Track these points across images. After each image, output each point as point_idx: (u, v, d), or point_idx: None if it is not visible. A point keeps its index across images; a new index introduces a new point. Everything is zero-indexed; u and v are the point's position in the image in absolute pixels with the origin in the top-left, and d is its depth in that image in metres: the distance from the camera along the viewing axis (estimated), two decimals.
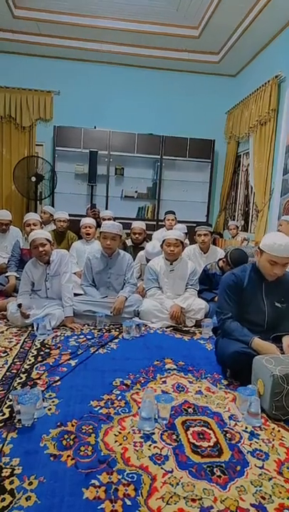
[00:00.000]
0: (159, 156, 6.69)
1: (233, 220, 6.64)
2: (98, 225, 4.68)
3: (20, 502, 1.23)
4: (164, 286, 3.42)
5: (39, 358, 2.38)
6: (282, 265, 2.15)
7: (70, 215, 4.98)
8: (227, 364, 2.23)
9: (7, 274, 3.78)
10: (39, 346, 2.59)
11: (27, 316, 2.91)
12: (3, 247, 4.47)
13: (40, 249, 3.01)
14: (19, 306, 2.94)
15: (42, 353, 2.48)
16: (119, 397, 1.94)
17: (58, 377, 2.11)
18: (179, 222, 5.50)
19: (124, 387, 2.06)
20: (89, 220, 4.62)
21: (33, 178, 6.26)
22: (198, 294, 3.50)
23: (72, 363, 2.33)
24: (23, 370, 2.21)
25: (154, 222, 6.69)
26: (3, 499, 1.23)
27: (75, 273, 4.12)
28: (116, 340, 2.80)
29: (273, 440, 1.64)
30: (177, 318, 3.19)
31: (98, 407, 1.82)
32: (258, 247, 2.24)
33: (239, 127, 6.26)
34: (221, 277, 3.35)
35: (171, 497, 1.28)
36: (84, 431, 1.62)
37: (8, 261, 3.91)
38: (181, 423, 1.73)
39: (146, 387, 2.03)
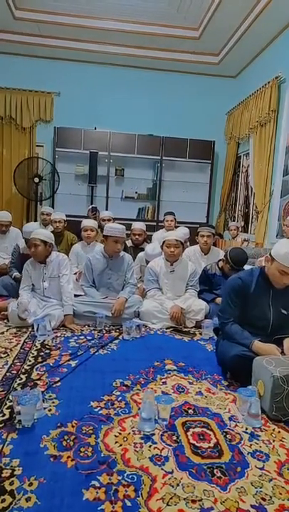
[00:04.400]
0: (159, 157, 6.70)
1: (234, 221, 6.65)
2: (100, 227, 4.65)
3: (20, 503, 1.22)
4: (164, 287, 3.42)
5: (39, 359, 2.38)
6: None
7: (70, 215, 4.98)
8: (227, 367, 2.22)
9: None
10: (39, 347, 2.59)
11: (23, 319, 2.92)
12: (3, 248, 4.47)
13: (32, 249, 3.06)
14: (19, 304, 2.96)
15: (42, 353, 2.48)
16: (120, 398, 1.93)
17: (58, 378, 2.11)
18: (179, 223, 5.50)
19: (124, 388, 2.06)
20: (89, 223, 4.39)
21: (36, 179, 6.27)
22: (199, 295, 3.50)
23: (73, 363, 2.33)
24: (23, 370, 2.21)
25: (154, 223, 6.69)
26: (3, 500, 1.23)
27: (75, 273, 4.12)
28: (116, 341, 2.80)
29: (273, 441, 1.64)
30: (177, 319, 3.19)
31: (98, 408, 1.82)
32: (269, 254, 2.18)
33: (239, 128, 6.27)
34: (222, 278, 3.37)
35: (171, 498, 1.28)
36: (84, 432, 1.62)
37: (11, 263, 3.89)
38: (182, 424, 1.72)
39: (147, 388, 2.03)
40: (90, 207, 5.69)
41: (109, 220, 4.88)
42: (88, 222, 4.42)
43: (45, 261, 3.13)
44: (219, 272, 3.47)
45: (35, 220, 6.20)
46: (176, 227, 5.15)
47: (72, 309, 3.09)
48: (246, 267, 3.05)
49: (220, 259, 3.58)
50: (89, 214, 5.48)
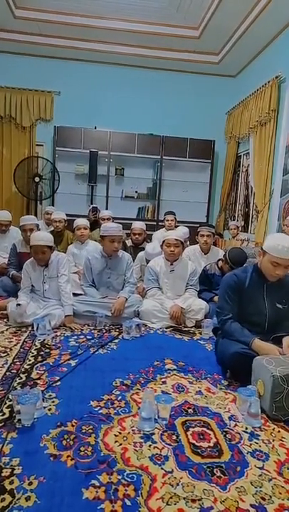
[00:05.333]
0: (159, 157, 6.70)
1: (233, 220, 6.65)
2: (99, 226, 4.65)
3: (20, 502, 1.22)
4: (164, 287, 3.42)
5: (39, 358, 2.38)
6: (284, 267, 2.15)
7: (70, 215, 4.97)
8: (227, 365, 2.23)
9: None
10: (39, 346, 2.59)
11: (20, 322, 2.92)
12: (3, 247, 4.46)
13: (40, 256, 3.03)
14: (18, 305, 2.95)
15: (42, 353, 2.48)
16: (119, 398, 1.93)
17: (57, 378, 2.11)
18: (179, 222, 5.50)
19: (124, 387, 2.06)
20: (82, 222, 4.44)
21: (37, 179, 6.27)
22: (198, 294, 3.50)
23: (72, 363, 2.33)
24: (23, 370, 2.21)
25: (154, 223, 6.69)
26: (3, 499, 1.23)
27: (75, 273, 4.13)
28: (116, 341, 2.80)
29: (273, 441, 1.64)
30: (177, 319, 3.19)
31: (98, 408, 1.82)
32: (261, 248, 2.23)
33: (239, 128, 6.27)
34: (221, 278, 3.36)
35: (171, 497, 1.28)
36: (84, 431, 1.62)
37: (8, 264, 3.89)
38: (181, 423, 1.72)
39: (146, 387, 2.03)
40: (91, 207, 5.69)
41: (108, 219, 4.88)
42: (80, 221, 4.43)
43: (46, 263, 3.12)
44: (219, 272, 3.47)
45: None
46: (176, 226, 5.15)
47: (72, 309, 3.09)
48: None
49: (219, 259, 3.58)
50: (89, 214, 5.48)
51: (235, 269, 3.15)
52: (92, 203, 6.40)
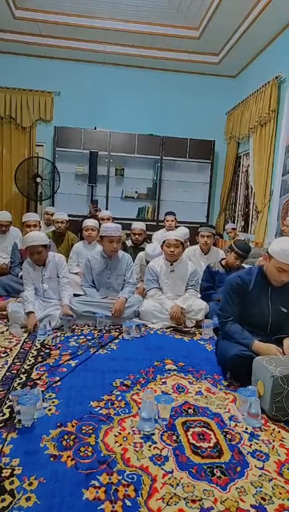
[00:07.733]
0: (159, 157, 6.70)
1: (233, 222, 6.65)
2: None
3: (20, 502, 1.22)
4: (165, 287, 3.42)
5: (39, 359, 2.38)
6: None
7: (70, 215, 4.98)
8: (227, 367, 2.22)
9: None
10: (39, 347, 2.59)
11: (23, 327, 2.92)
12: (3, 248, 4.47)
13: (36, 256, 3.04)
14: (28, 313, 2.95)
15: (42, 353, 2.48)
16: (119, 398, 1.93)
17: (58, 378, 2.11)
18: (179, 223, 5.51)
19: (124, 387, 2.06)
20: (91, 223, 4.44)
21: (38, 179, 6.28)
22: (204, 292, 3.50)
23: (73, 363, 2.33)
24: (23, 370, 2.21)
25: (154, 223, 6.69)
26: (3, 499, 1.23)
27: (76, 273, 4.13)
28: (116, 341, 2.80)
29: (273, 441, 1.64)
30: (177, 319, 3.19)
31: (98, 408, 1.82)
32: (267, 252, 2.19)
33: (239, 128, 6.27)
34: (224, 275, 3.37)
35: (171, 498, 1.28)
36: (84, 431, 1.62)
37: (11, 263, 3.88)
38: (181, 424, 1.72)
39: (147, 387, 2.03)
40: (91, 204, 5.68)
41: (108, 220, 4.89)
42: (90, 222, 4.46)
43: (44, 263, 3.13)
44: (222, 270, 3.48)
45: None
46: (177, 227, 5.15)
47: (72, 308, 3.09)
48: (246, 266, 3.05)
49: (223, 258, 3.59)
50: (90, 208, 5.47)
51: (240, 255, 3.25)
52: (92, 200, 6.40)
